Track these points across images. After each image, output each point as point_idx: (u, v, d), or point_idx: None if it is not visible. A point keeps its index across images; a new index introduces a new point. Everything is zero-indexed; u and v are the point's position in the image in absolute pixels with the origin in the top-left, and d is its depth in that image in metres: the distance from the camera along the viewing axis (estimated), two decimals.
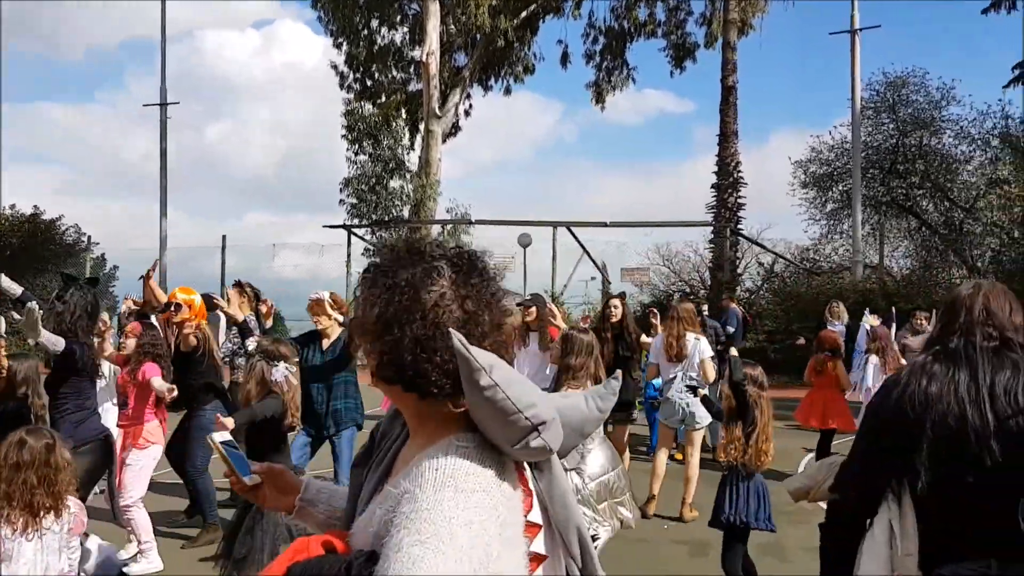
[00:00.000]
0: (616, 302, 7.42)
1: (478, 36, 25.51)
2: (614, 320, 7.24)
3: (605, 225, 20.59)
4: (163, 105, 23.93)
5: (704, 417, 6.42)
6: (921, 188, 20.92)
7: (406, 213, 22.67)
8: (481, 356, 1.24)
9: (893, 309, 11.70)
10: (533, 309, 7.13)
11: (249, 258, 23.61)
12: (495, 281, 1.40)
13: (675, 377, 6.70)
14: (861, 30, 19.42)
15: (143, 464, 5.30)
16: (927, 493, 2.14)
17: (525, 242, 21.00)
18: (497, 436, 1.28)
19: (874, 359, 8.06)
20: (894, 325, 11.71)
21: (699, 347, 6.74)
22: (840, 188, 21.36)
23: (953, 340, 2.27)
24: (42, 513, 2.99)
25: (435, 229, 22.24)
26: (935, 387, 2.18)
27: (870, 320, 8.88)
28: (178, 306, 5.77)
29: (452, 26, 25.68)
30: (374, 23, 26.82)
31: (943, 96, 20.60)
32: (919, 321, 9.52)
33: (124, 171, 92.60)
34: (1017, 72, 19.59)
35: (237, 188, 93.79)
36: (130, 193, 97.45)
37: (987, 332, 2.24)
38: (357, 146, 24.46)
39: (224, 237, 22.98)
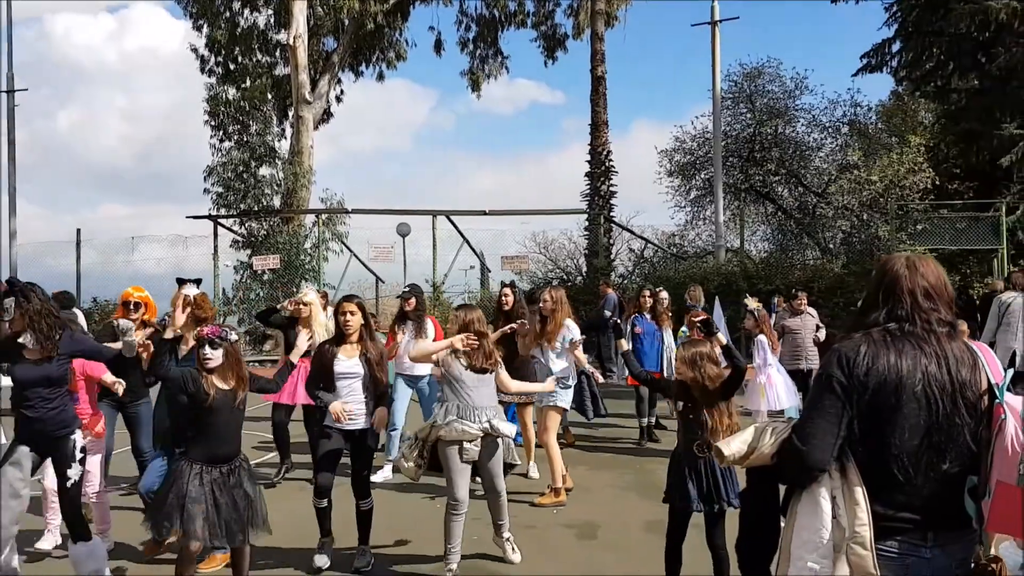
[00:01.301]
0: (507, 291, 7.49)
1: (347, 20, 24.96)
2: (507, 308, 7.31)
3: (484, 214, 20.65)
4: (10, 92, 22.19)
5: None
6: (777, 175, 22.00)
7: (277, 202, 21.95)
8: None
9: (776, 298, 12.70)
10: (412, 299, 7.57)
11: (107, 252, 22.24)
12: None
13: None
14: (721, 22, 20.22)
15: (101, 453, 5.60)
16: (874, 464, 2.23)
17: (404, 231, 20.79)
18: None
19: (762, 338, 8.67)
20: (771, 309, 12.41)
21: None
22: (703, 176, 22.20)
23: (906, 325, 2.32)
24: None
25: (309, 219, 21.66)
26: (906, 363, 2.23)
27: (752, 302, 9.27)
28: (137, 304, 5.89)
29: (320, 8, 25.01)
30: (236, 4, 25.77)
31: (796, 86, 21.72)
32: (800, 302, 9.77)
33: None
34: (865, 61, 20.95)
35: (92, 179, 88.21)
36: None
37: (939, 318, 2.33)
38: (222, 132, 23.45)
39: (79, 231, 21.60)
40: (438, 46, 27.38)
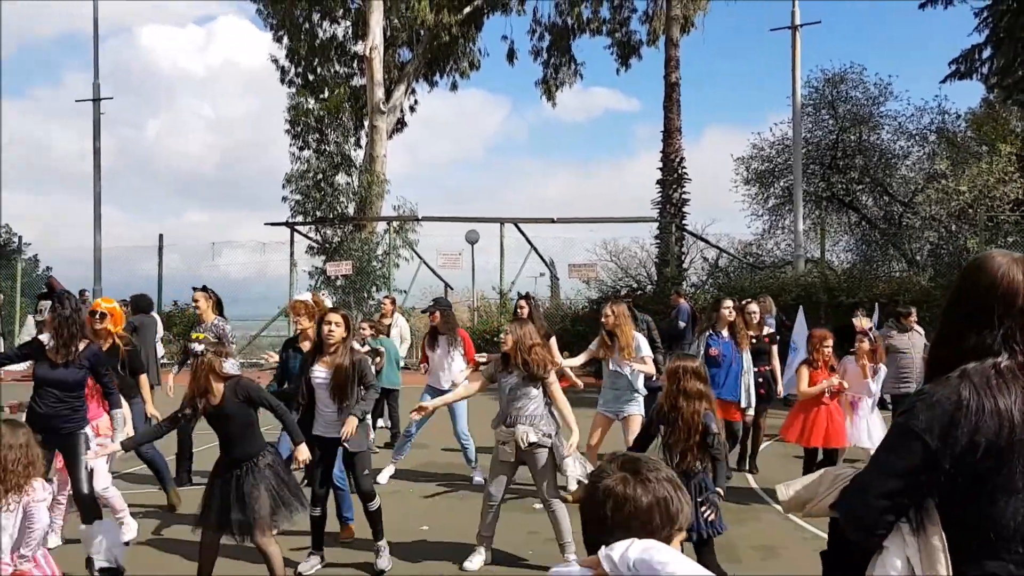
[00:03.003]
0: (523, 303, 7.71)
1: (422, 31, 25.22)
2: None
3: (552, 221, 20.52)
4: (96, 101, 23.12)
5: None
6: (861, 183, 21.25)
7: (351, 210, 22.27)
8: None
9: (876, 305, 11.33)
10: (437, 314, 7.66)
11: (189, 257, 22.97)
12: None
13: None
14: (802, 26, 19.65)
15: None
16: (967, 527, 1.81)
17: (473, 239, 20.83)
18: None
19: (884, 369, 7.38)
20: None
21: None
22: (781, 184, 21.60)
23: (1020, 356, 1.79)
24: (14, 492, 3.51)
25: (380, 226, 21.89)
26: (1019, 410, 1.75)
27: (864, 322, 8.51)
28: (103, 315, 6.15)
29: (396, 20, 25.34)
30: (315, 17, 26.34)
31: (881, 92, 20.92)
32: (909, 318, 8.54)
33: (57, 169, 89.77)
34: (953, 67, 20.08)
35: (176, 185, 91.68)
36: (64, 191, 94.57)
37: None
38: (301, 141, 24.00)
39: (161, 236, 22.34)
40: (511, 55, 27.40)
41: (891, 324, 9.01)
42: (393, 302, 11.40)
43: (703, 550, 4.31)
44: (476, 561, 5.27)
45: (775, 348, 8.51)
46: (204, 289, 7.52)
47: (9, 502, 3.51)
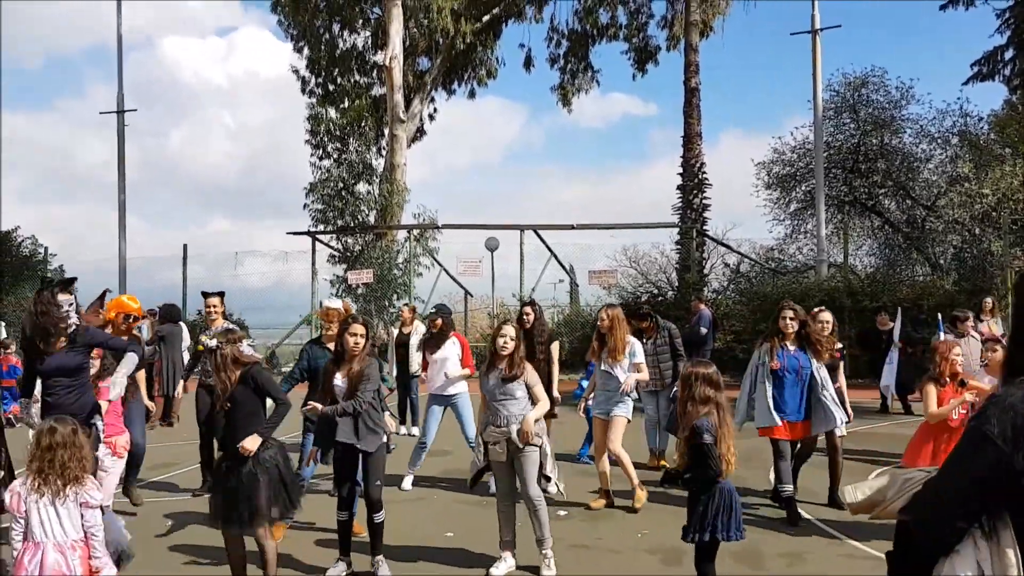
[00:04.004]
0: (528, 309, 7.96)
1: (440, 40, 25.36)
2: (527, 326, 7.65)
3: (572, 228, 20.54)
4: (120, 112, 23.43)
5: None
6: (883, 187, 21.10)
7: (372, 219, 22.40)
8: None
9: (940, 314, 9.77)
10: (439, 320, 8.11)
11: (212, 267, 23.21)
12: None
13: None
14: (822, 30, 19.57)
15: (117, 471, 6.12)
16: None
17: (492, 246, 20.87)
18: None
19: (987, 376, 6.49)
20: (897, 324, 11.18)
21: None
22: (803, 188, 21.48)
23: None
24: (69, 484, 3.69)
25: (401, 234, 22.00)
26: None
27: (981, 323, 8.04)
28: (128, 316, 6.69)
29: (414, 30, 25.50)
30: (335, 27, 26.55)
31: (902, 95, 20.78)
32: (965, 323, 7.96)
33: (81, 179, 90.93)
34: (975, 69, 19.92)
35: (198, 195, 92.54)
36: (88, 201, 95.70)
37: None
38: (322, 151, 24.21)
39: (185, 246, 22.59)
40: (528, 63, 27.50)
41: (947, 329, 8.51)
42: (413, 310, 11.47)
43: (706, 554, 4.30)
44: (502, 568, 5.30)
45: (842, 364, 7.48)
46: (221, 295, 7.67)
47: (67, 493, 3.69)
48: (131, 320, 6.77)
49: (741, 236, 21.15)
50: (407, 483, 7.73)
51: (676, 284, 20.52)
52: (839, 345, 7.37)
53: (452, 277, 21.79)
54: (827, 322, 7.00)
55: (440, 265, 21.96)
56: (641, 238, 21.42)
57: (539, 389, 5.45)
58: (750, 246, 21.12)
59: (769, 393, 6.37)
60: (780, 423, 6.32)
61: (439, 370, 7.84)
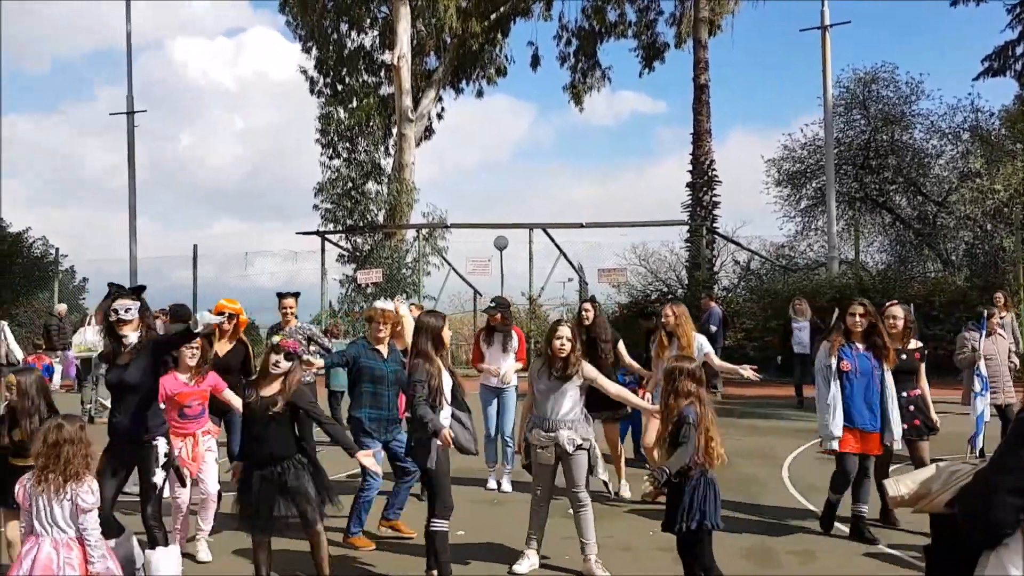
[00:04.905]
0: (588, 306, 7.58)
1: (448, 39, 25.38)
2: (587, 323, 7.34)
3: (581, 226, 20.50)
4: (130, 114, 23.52)
5: None
6: (894, 183, 20.98)
7: (381, 218, 22.44)
8: None
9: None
10: (499, 315, 7.71)
11: (222, 267, 23.28)
12: None
13: None
14: (832, 26, 19.48)
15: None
16: None
17: (501, 245, 20.86)
18: None
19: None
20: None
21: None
22: (814, 185, 21.39)
23: None
24: (70, 480, 3.66)
25: (410, 233, 22.01)
26: None
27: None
28: (231, 316, 6.56)
29: (422, 29, 25.52)
30: (343, 27, 26.61)
31: (913, 91, 20.65)
32: (992, 322, 7.73)
33: (91, 181, 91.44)
34: (986, 64, 19.79)
35: (208, 196, 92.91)
36: (98, 203, 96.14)
37: None
38: (331, 151, 24.26)
39: (195, 247, 22.64)
40: (535, 61, 27.49)
41: (974, 327, 8.11)
42: (420, 309, 11.46)
43: (698, 542, 4.35)
44: (525, 565, 5.24)
45: (923, 367, 6.43)
46: (296, 295, 7.70)
47: (66, 490, 3.67)
48: (233, 320, 6.63)
49: (751, 233, 21.07)
50: (507, 484, 7.55)
51: (686, 282, 20.47)
52: (919, 344, 6.51)
53: (461, 276, 21.79)
54: (897, 318, 6.25)
55: (449, 264, 21.98)
56: (651, 236, 21.41)
57: (604, 380, 5.33)
58: (760, 243, 21.04)
59: (838, 398, 5.63)
60: (841, 434, 5.63)
61: (495, 364, 7.50)
